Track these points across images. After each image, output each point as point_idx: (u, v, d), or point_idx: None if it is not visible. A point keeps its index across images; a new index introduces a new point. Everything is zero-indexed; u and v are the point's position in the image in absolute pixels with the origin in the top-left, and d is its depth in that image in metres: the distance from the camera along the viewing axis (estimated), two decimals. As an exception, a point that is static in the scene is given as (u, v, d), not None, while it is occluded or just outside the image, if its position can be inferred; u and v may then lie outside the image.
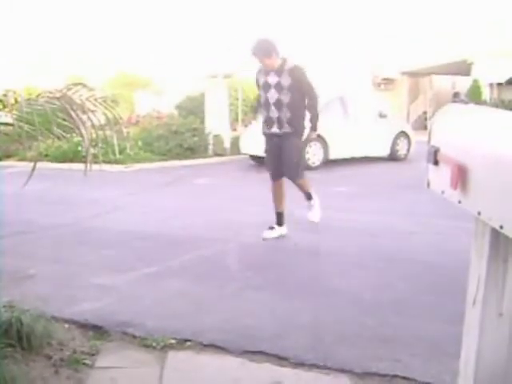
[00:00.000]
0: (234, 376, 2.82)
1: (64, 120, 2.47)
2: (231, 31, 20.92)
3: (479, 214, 1.43)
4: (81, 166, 2.65)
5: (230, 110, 15.15)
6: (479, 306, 1.52)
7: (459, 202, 1.51)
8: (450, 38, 21.94)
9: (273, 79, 5.41)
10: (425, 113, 26.51)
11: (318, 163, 11.81)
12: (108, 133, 2.71)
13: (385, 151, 13.05)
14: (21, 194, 4.81)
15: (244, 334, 3.28)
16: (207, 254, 5.12)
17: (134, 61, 27.93)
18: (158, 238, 5.78)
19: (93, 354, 3.01)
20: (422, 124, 24.48)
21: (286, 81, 5.34)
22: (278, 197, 5.67)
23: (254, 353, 3.03)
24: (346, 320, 3.50)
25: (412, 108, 27.40)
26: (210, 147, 14.01)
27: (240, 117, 15.93)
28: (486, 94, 21.48)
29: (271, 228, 5.58)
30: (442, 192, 1.60)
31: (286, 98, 5.37)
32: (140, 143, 13.46)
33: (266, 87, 5.49)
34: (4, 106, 2.39)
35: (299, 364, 2.91)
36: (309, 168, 11.50)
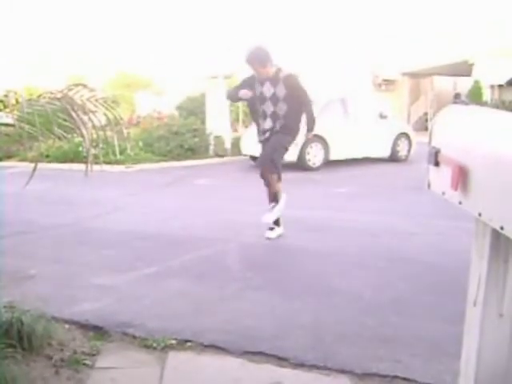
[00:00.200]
0: (235, 376, 2.82)
1: (65, 120, 2.47)
2: (231, 32, 20.92)
3: (480, 214, 1.43)
4: (81, 166, 2.65)
5: (230, 110, 15.16)
6: (480, 307, 1.53)
7: (460, 202, 1.51)
8: (451, 38, 21.93)
9: (268, 90, 5.39)
10: (426, 114, 26.51)
11: (318, 164, 11.82)
12: (109, 133, 2.71)
13: (385, 152, 13.05)
14: (22, 194, 4.82)
15: (244, 335, 3.28)
16: (207, 254, 5.12)
17: (134, 61, 27.96)
18: (159, 238, 5.79)
19: (93, 355, 3.01)
20: (423, 125, 24.48)
21: (281, 91, 5.34)
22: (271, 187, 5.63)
23: (254, 353, 3.03)
24: (347, 320, 3.50)
25: (413, 109, 27.40)
26: (211, 148, 14.02)
27: (241, 117, 15.94)
28: (486, 95, 21.48)
29: (271, 228, 5.58)
30: (443, 193, 1.60)
31: (281, 110, 5.39)
32: (141, 144, 13.47)
33: (262, 99, 5.47)
34: (5, 107, 2.39)
35: (299, 364, 2.91)
36: (309, 169, 11.54)
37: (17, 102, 2.35)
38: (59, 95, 2.47)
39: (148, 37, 31.13)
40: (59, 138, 2.60)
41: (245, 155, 12.58)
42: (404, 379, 2.75)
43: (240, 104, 16.00)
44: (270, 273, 4.62)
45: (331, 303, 3.81)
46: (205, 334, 3.27)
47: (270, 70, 5.36)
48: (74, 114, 2.41)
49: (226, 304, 3.83)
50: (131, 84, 26.21)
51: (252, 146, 11.60)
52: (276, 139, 5.46)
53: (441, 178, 1.60)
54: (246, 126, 14.97)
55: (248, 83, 5.57)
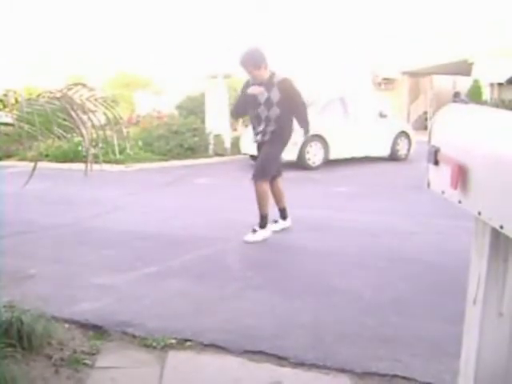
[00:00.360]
0: (235, 376, 2.82)
1: (64, 120, 2.47)
2: (231, 31, 20.92)
3: (479, 213, 1.43)
4: (81, 165, 2.65)
5: (230, 109, 15.15)
6: (479, 306, 1.53)
7: (459, 201, 1.51)
8: (450, 37, 21.93)
9: (262, 95, 5.36)
10: (425, 113, 26.51)
11: (318, 163, 11.82)
12: (108, 133, 2.71)
13: (385, 151, 13.05)
14: (21, 193, 4.81)
15: (244, 334, 3.28)
16: (208, 253, 5.12)
17: (134, 61, 27.95)
18: (159, 237, 5.79)
19: (93, 354, 3.01)
20: (423, 124, 24.48)
21: (275, 96, 5.31)
22: (277, 196, 5.71)
23: (254, 353, 3.03)
24: (346, 320, 3.50)
25: (412, 108, 27.40)
26: (211, 147, 14.02)
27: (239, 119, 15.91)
28: (486, 94, 21.48)
29: (275, 221, 5.70)
30: (443, 192, 1.60)
31: (274, 114, 5.37)
32: (140, 143, 13.46)
33: (256, 104, 5.42)
34: (4, 106, 2.39)
35: (299, 364, 2.91)
36: (309, 168, 11.54)
37: (16, 101, 2.35)
38: (58, 94, 2.47)
39: (148, 36, 31.14)
40: (59, 138, 2.60)
41: (244, 154, 12.58)
42: (404, 378, 2.75)
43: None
44: (270, 272, 4.62)
45: (331, 303, 3.81)
46: (205, 333, 3.27)
47: (264, 73, 5.31)
48: (73, 114, 2.41)
49: (226, 303, 3.83)
50: (131, 83, 26.19)
51: (251, 145, 11.62)
52: (267, 151, 5.49)
53: (440, 177, 1.60)
54: (246, 126, 14.96)
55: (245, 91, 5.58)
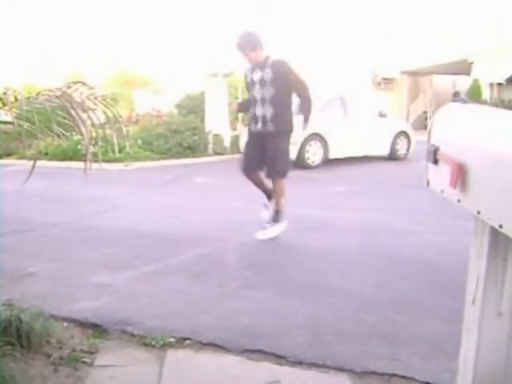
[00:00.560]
0: (233, 374, 2.82)
1: (64, 118, 2.46)
2: (231, 30, 20.90)
3: (478, 213, 1.43)
4: (80, 164, 2.64)
5: (229, 108, 15.14)
6: (478, 305, 1.53)
7: (458, 201, 1.51)
8: (450, 37, 21.95)
9: (257, 75, 5.39)
10: (425, 112, 26.55)
11: (317, 162, 11.83)
12: (108, 131, 2.70)
13: (385, 150, 13.06)
14: (20, 192, 4.82)
15: (243, 333, 3.28)
16: (206, 252, 5.12)
17: (133, 60, 27.95)
18: (158, 236, 5.79)
19: (92, 353, 3.01)
20: (422, 123, 24.50)
21: (267, 75, 5.31)
22: (260, 186, 5.60)
23: (252, 351, 3.03)
24: (345, 318, 3.50)
25: (412, 107, 27.43)
26: (210, 146, 14.02)
27: (240, 116, 15.91)
28: (486, 93, 21.48)
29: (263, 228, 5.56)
30: (442, 191, 1.60)
31: (268, 93, 5.33)
32: (140, 142, 13.47)
33: (251, 84, 5.48)
34: (4, 104, 2.38)
35: (298, 363, 2.91)
36: (308, 167, 11.54)
37: (16, 99, 2.34)
38: (58, 93, 2.47)
39: (147, 35, 31.14)
40: (58, 136, 2.59)
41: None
42: (402, 377, 2.75)
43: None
44: (268, 271, 4.62)
45: (330, 301, 3.81)
46: (203, 332, 3.27)
47: (260, 55, 5.35)
48: (73, 112, 2.40)
49: (225, 302, 3.83)
50: (130, 82, 26.19)
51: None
52: (271, 148, 5.42)
53: (440, 176, 1.60)
54: (245, 125, 14.97)
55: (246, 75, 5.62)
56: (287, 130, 5.50)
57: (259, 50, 5.34)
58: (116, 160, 11.87)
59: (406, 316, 3.54)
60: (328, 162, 11.89)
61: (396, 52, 25.32)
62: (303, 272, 4.56)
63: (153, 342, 3.13)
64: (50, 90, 2.51)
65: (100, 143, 2.72)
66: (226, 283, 4.22)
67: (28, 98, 2.41)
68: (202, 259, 4.90)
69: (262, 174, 5.60)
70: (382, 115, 13.04)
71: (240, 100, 15.76)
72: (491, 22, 20.58)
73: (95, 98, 2.61)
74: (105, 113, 2.64)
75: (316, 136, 11.72)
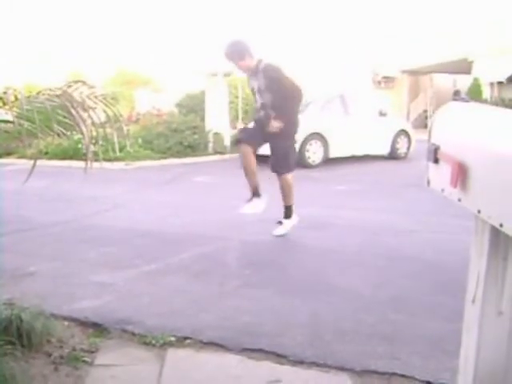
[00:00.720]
0: (234, 374, 2.82)
1: (64, 117, 2.46)
2: (231, 29, 20.91)
3: (479, 212, 1.43)
4: (81, 163, 2.65)
5: (230, 107, 15.17)
6: (479, 304, 1.52)
7: (459, 200, 1.51)
8: (450, 37, 21.95)
9: (253, 83, 5.41)
10: (425, 111, 26.54)
11: (318, 161, 11.83)
12: (108, 130, 2.71)
13: (385, 150, 13.05)
14: (21, 191, 4.83)
15: (243, 332, 3.28)
16: (207, 251, 5.12)
17: (133, 59, 27.96)
18: (158, 235, 5.79)
19: (92, 352, 3.01)
20: (423, 122, 24.50)
21: (262, 83, 5.31)
22: (250, 165, 5.44)
23: (253, 350, 3.03)
24: (346, 318, 3.50)
25: (412, 106, 27.43)
26: (210, 145, 14.02)
27: (240, 115, 15.93)
28: (486, 92, 21.48)
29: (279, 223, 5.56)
30: (442, 190, 1.60)
31: (268, 100, 5.34)
32: (140, 141, 13.46)
33: (253, 91, 5.51)
34: (4, 104, 2.38)
35: (298, 362, 2.91)
36: (309, 166, 11.54)
37: (16, 98, 2.34)
38: (58, 92, 2.47)
39: (147, 35, 31.13)
40: (58, 135, 2.59)
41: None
42: (403, 376, 2.75)
43: (239, 101, 16.01)
44: (268, 270, 4.62)
45: (330, 301, 3.81)
46: (204, 331, 3.27)
47: (250, 63, 5.32)
48: (73, 111, 2.40)
49: (225, 301, 3.83)
50: (131, 81, 26.20)
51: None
52: (277, 148, 5.44)
53: (440, 175, 1.60)
54: (246, 124, 14.98)
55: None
56: (292, 131, 5.51)
57: (248, 57, 5.30)
58: (116, 159, 11.86)
59: (406, 315, 3.54)
60: (328, 161, 11.89)
61: (396, 51, 25.33)
62: (303, 271, 4.57)
63: (153, 341, 3.13)
64: (51, 89, 2.51)
65: (100, 142, 2.72)
66: (227, 282, 4.23)
67: (28, 97, 2.41)
68: (202, 258, 4.90)
69: (255, 158, 5.48)
70: (382, 114, 13.03)
71: (240, 100, 15.81)
72: (491, 22, 20.57)
73: (95, 97, 2.61)
74: (105, 112, 2.64)
75: (316, 135, 11.72)
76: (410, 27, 24.66)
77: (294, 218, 5.65)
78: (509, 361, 1.54)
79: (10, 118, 2.40)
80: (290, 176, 5.56)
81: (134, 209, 7.44)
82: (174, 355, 3.01)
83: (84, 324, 3.39)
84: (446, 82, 25.90)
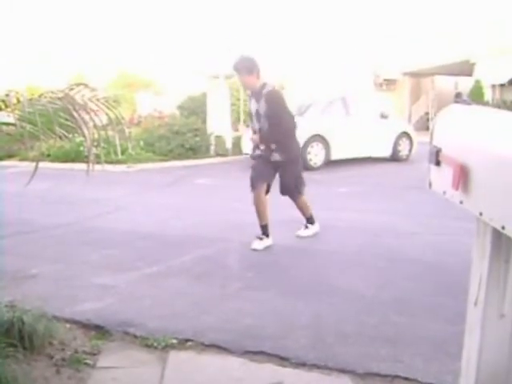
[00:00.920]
0: (236, 376, 2.82)
1: (66, 120, 2.47)
2: (232, 31, 20.92)
3: (481, 214, 1.43)
4: (83, 165, 2.65)
5: (231, 110, 15.17)
6: (481, 307, 1.52)
7: (461, 202, 1.51)
8: (451, 38, 21.93)
9: (253, 106, 5.41)
10: (427, 113, 26.53)
11: (319, 164, 11.82)
12: (110, 133, 2.71)
13: (387, 152, 13.05)
14: (23, 193, 4.82)
15: (245, 334, 3.28)
16: (208, 253, 5.12)
17: (135, 62, 27.99)
18: (160, 238, 5.79)
19: (94, 354, 3.01)
20: (424, 125, 24.49)
21: (262, 108, 5.29)
22: (262, 208, 5.43)
23: (255, 353, 3.03)
24: (348, 320, 3.49)
25: (414, 108, 27.40)
26: (212, 147, 14.03)
27: (242, 117, 15.94)
28: (488, 94, 21.47)
29: (259, 238, 5.41)
30: (444, 192, 1.60)
31: (264, 126, 5.33)
32: (142, 143, 13.48)
33: (251, 114, 5.53)
34: (6, 106, 2.39)
35: (300, 364, 2.91)
36: (310, 168, 11.53)
37: (18, 101, 2.35)
38: (60, 95, 2.47)
39: (149, 37, 31.17)
40: (60, 138, 2.60)
41: (246, 154, 12.58)
42: (405, 379, 2.75)
43: (241, 104, 16.02)
44: (270, 272, 4.62)
45: (332, 302, 3.81)
46: (206, 333, 3.28)
47: (256, 81, 5.31)
48: (75, 114, 2.41)
49: (227, 303, 3.83)
50: (132, 84, 26.25)
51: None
52: (285, 174, 5.45)
53: (442, 178, 1.60)
54: (247, 126, 14.99)
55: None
56: (296, 156, 5.56)
57: (255, 75, 5.30)
58: (118, 161, 11.87)
59: (408, 317, 3.54)
60: (330, 164, 11.88)
61: (397, 53, 25.32)
62: (305, 273, 4.56)
63: (155, 344, 3.13)
64: (53, 92, 2.51)
65: (102, 145, 2.72)
66: (228, 284, 4.23)
67: (30, 99, 2.41)
68: (203, 260, 4.91)
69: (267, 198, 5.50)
70: (383, 116, 13.02)
71: (242, 102, 15.82)
72: (491, 22, 20.57)
73: (97, 100, 2.61)
74: (107, 114, 2.64)
75: (318, 137, 11.71)
76: (411, 29, 24.65)
77: (317, 225, 5.79)
78: (511, 363, 1.54)
79: (12, 120, 2.40)
80: (303, 196, 5.63)
81: (135, 211, 7.44)
82: (176, 357, 3.01)
83: (86, 326, 3.39)
84: (447, 85, 25.88)
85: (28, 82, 17.27)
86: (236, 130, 15.89)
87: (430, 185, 1.70)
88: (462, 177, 1.46)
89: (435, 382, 2.69)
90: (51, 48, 27.85)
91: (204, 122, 14.69)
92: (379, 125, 12.81)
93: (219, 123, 14.10)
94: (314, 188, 9.35)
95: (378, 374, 2.79)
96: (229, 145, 14.23)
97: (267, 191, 5.45)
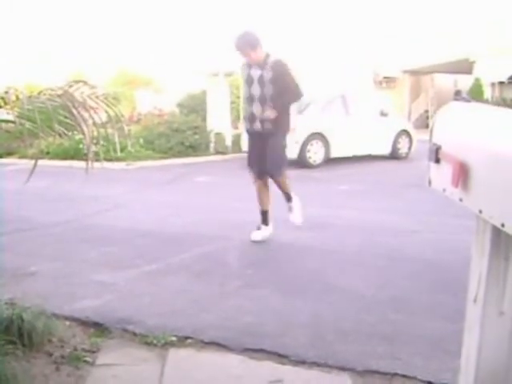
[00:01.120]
0: (235, 374, 2.82)
1: (65, 117, 2.46)
2: (232, 29, 20.91)
3: (480, 212, 1.42)
4: (82, 163, 2.65)
5: (231, 107, 15.15)
6: (480, 304, 1.52)
7: (460, 200, 1.50)
8: (451, 38, 21.93)
9: (255, 72, 5.31)
10: (426, 111, 26.53)
11: (319, 161, 11.82)
12: (109, 130, 2.70)
13: (386, 150, 13.05)
14: (22, 191, 4.83)
15: (245, 332, 3.28)
16: (208, 251, 5.12)
17: (135, 59, 27.96)
18: (159, 235, 5.79)
19: (93, 352, 3.01)
20: (424, 122, 24.50)
21: (267, 74, 5.24)
22: (263, 196, 5.51)
23: (254, 350, 3.03)
24: (347, 318, 3.50)
25: (413, 106, 27.40)
26: (212, 145, 14.02)
27: (241, 115, 15.90)
28: (487, 92, 21.46)
29: (258, 228, 5.49)
30: (444, 190, 1.60)
31: (268, 92, 5.28)
32: (141, 141, 13.47)
33: (249, 81, 5.39)
34: (5, 103, 2.38)
35: (300, 362, 2.91)
36: (310, 166, 11.54)
37: (17, 98, 2.34)
38: (60, 92, 2.47)
39: (148, 35, 31.14)
40: (60, 135, 2.59)
41: (245, 152, 12.56)
42: (404, 376, 2.75)
43: (241, 101, 15.99)
44: (269, 270, 4.62)
45: (331, 301, 3.81)
46: (205, 330, 3.28)
47: (260, 55, 5.28)
48: (74, 111, 2.40)
49: (227, 301, 3.83)
50: (132, 82, 26.21)
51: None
52: (272, 145, 5.37)
53: (441, 175, 1.59)
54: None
55: (242, 71, 5.55)
56: (284, 130, 5.47)
57: (259, 49, 5.27)
58: (118, 159, 11.84)
59: (407, 315, 3.54)
60: (329, 161, 11.88)
61: (397, 51, 25.31)
62: (304, 271, 4.56)
63: (154, 341, 3.13)
64: (52, 89, 2.51)
65: (102, 142, 2.72)
66: (228, 282, 4.23)
67: (30, 96, 2.41)
68: (203, 258, 4.91)
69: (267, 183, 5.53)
70: (383, 114, 13.03)
71: (241, 99, 15.78)
72: (491, 22, 20.56)
73: (97, 97, 2.61)
74: (106, 112, 2.64)
75: (317, 135, 11.71)
76: (410, 27, 24.64)
77: (296, 198, 5.62)
78: (510, 360, 1.54)
79: (11, 117, 2.40)
80: (284, 176, 5.50)
81: (135, 209, 7.44)
82: (176, 355, 3.01)
83: (85, 324, 3.39)
84: (447, 82, 25.88)
85: (27, 81, 17.24)
86: (236, 127, 15.87)
87: (430, 182, 1.70)
88: (462, 174, 1.46)
89: (434, 379, 2.69)
90: (51, 48, 27.82)
91: (204, 119, 14.68)
92: (379, 123, 12.81)
93: (219, 121, 14.09)
94: (313, 186, 9.37)
95: (377, 372, 2.79)
96: (228, 142, 14.22)
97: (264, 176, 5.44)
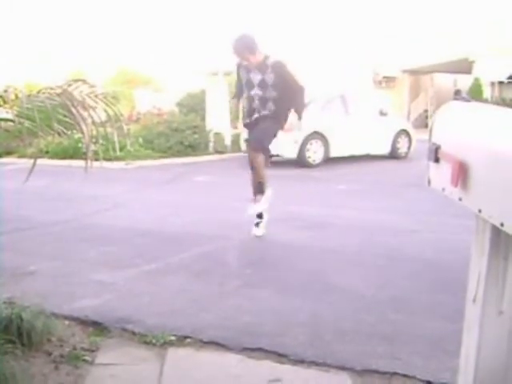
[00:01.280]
0: (234, 373, 2.82)
1: (65, 116, 2.46)
2: (231, 29, 20.91)
3: (480, 211, 1.42)
4: (81, 162, 2.64)
5: (230, 107, 15.14)
6: (479, 304, 1.52)
7: (460, 199, 1.50)
8: (451, 37, 21.94)
9: (255, 77, 5.32)
10: (426, 111, 26.54)
11: (318, 161, 11.83)
12: (109, 130, 2.70)
13: (386, 149, 13.05)
14: (21, 190, 4.82)
15: (244, 331, 3.28)
16: (207, 251, 5.12)
17: (134, 59, 27.96)
18: (158, 235, 5.79)
19: (93, 351, 3.01)
20: (423, 122, 24.49)
21: (269, 78, 5.25)
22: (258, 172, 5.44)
23: (253, 350, 3.03)
24: (346, 317, 3.50)
25: (413, 106, 27.41)
26: (211, 145, 14.02)
27: (241, 114, 15.92)
28: (487, 92, 21.47)
29: (257, 224, 5.48)
30: (443, 189, 1.60)
31: (271, 95, 5.30)
32: (141, 140, 13.46)
33: (249, 85, 5.40)
34: (5, 102, 2.38)
35: (299, 361, 2.91)
36: (309, 165, 11.55)
37: (16, 97, 2.34)
38: (59, 91, 2.46)
39: (148, 34, 31.15)
40: (59, 134, 2.59)
41: (244, 152, 12.56)
42: (404, 376, 2.75)
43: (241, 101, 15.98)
44: (269, 270, 4.62)
45: (330, 300, 3.81)
46: (204, 330, 3.27)
47: (259, 57, 5.27)
48: (73, 110, 2.40)
49: (226, 301, 3.83)
50: (131, 81, 26.21)
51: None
52: (265, 126, 5.36)
53: (441, 175, 1.59)
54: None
55: (239, 71, 5.53)
56: (280, 122, 5.42)
57: (257, 51, 5.27)
58: (117, 158, 11.83)
59: (407, 315, 3.54)
60: (329, 161, 11.88)
61: (397, 51, 25.31)
62: (303, 270, 4.56)
63: (153, 341, 3.13)
64: (51, 88, 2.51)
65: (101, 141, 2.72)
66: (227, 282, 4.22)
67: (29, 95, 2.41)
68: (202, 257, 4.90)
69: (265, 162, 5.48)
70: (382, 114, 13.03)
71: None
72: (491, 22, 20.57)
73: (96, 96, 2.61)
74: (106, 111, 2.64)
75: (317, 135, 11.71)
76: (410, 27, 24.66)
77: (269, 190, 5.52)
78: (509, 360, 1.54)
79: (10, 116, 2.40)
80: (262, 156, 5.40)
81: (134, 208, 7.44)
82: (175, 354, 3.01)
83: (84, 323, 3.39)
84: (446, 82, 25.88)
85: (27, 80, 17.23)
86: (235, 127, 15.85)
87: (429, 182, 1.70)
88: (461, 174, 1.46)
89: (433, 379, 2.69)
90: (51, 47, 27.82)
91: (203, 119, 14.67)
92: (378, 122, 12.82)
93: (218, 120, 14.09)
94: (312, 185, 9.38)
95: (376, 371, 2.79)
96: (228, 142, 14.22)
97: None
